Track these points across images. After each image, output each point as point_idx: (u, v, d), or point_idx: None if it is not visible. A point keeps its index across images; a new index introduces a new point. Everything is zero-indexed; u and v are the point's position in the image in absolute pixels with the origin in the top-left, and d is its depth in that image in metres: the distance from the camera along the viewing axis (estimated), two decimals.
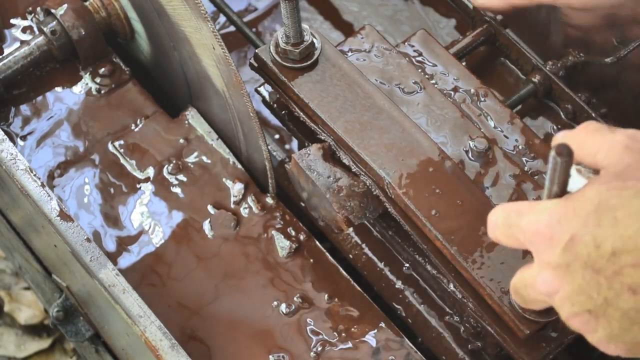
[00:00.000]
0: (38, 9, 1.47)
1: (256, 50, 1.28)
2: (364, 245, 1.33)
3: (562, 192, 0.91)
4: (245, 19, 1.58)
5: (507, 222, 0.97)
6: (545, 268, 0.93)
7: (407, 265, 1.31)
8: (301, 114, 1.26)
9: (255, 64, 1.29)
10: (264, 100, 1.35)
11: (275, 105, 1.35)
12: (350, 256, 1.33)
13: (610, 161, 0.90)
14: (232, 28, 1.59)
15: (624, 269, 0.87)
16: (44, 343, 2.07)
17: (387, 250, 1.32)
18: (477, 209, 1.15)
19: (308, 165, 1.22)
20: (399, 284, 1.31)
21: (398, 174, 1.18)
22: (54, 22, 1.40)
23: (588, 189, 0.89)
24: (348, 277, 1.30)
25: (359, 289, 1.29)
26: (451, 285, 1.21)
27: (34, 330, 2.08)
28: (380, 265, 1.32)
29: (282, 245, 1.32)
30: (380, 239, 1.33)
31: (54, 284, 1.50)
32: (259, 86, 1.36)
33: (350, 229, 1.30)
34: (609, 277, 0.88)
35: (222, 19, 1.62)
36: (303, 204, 1.33)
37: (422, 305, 1.29)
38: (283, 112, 1.34)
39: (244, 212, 1.34)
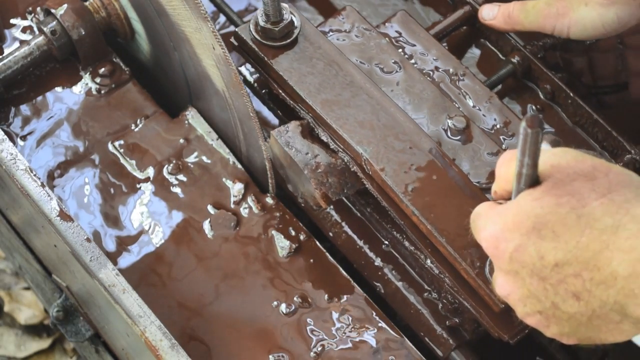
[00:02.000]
0: (38, 9, 1.47)
1: (236, 29, 1.29)
2: (343, 224, 1.34)
3: (534, 163, 0.92)
4: (245, 19, 1.58)
5: (471, 222, 1.03)
6: (498, 272, 0.99)
7: (386, 242, 1.31)
8: (280, 92, 1.27)
9: (236, 43, 1.30)
10: (244, 80, 1.37)
11: (255, 84, 1.36)
12: (330, 234, 1.34)
13: (541, 179, 0.95)
14: (232, 28, 1.59)
15: (567, 278, 0.92)
16: (44, 343, 2.07)
17: (366, 228, 1.33)
18: (454, 185, 1.17)
19: (286, 142, 1.23)
20: (378, 262, 1.31)
21: (376, 150, 1.19)
22: (54, 22, 1.40)
23: (525, 203, 0.94)
24: (348, 277, 1.30)
25: (358, 288, 1.29)
26: (428, 261, 1.22)
27: (34, 330, 2.08)
28: (360, 243, 1.33)
29: (282, 245, 1.32)
30: (359, 217, 1.33)
31: (54, 284, 1.50)
32: (240, 65, 1.36)
33: (330, 205, 1.31)
34: (554, 284, 0.93)
35: (222, 19, 1.62)
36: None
37: (401, 282, 1.30)
38: (263, 91, 1.35)
39: (244, 212, 1.34)
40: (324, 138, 1.23)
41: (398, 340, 1.26)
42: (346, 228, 1.34)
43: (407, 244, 1.27)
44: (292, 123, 1.25)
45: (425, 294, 1.29)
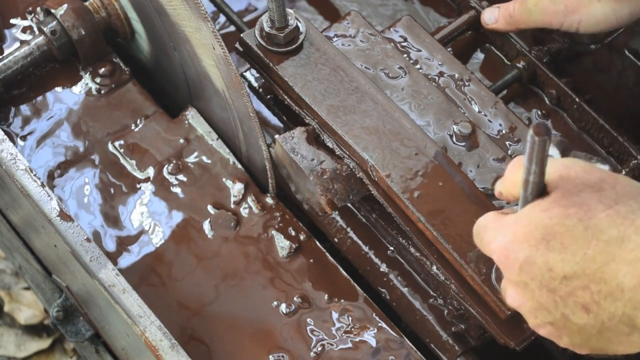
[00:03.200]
0: (38, 9, 1.47)
1: (241, 35, 1.29)
2: (348, 229, 1.33)
3: (541, 171, 0.92)
4: (245, 19, 1.58)
5: (476, 234, 1.03)
6: (507, 283, 0.99)
7: (392, 248, 1.31)
8: (286, 97, 1.26)
9: (241, 49, 1.30)
10: (249, 85, 1.36)
11: (260, 89, 1.36)
12: (336, 240, 1.33)
13: (550, 189, 0.95)
14: (232, 28, 1.59)
15: (576, 290, 0.92)
16: (44, 343, 2.07)
17: (371, 233, 1.33)
18: (460, 191, 1.16)
19: (292, 148, 1.23)
20: (383, 267, 1.31)
21: (381, 156, 1.19)
22: (54, 22, 1.40)
23: (533, 214, 0.94)
24: (348, 277, 1.30)
25: (358, 288, 1.29)
26: (434, 267, 1.22)
27: (34, 330, 2.08)
28: (365, 248, 1.32)
29: (282, 245, 1.32)
30: (364, 223, 1.33)
31: (54, 284, 1.50)
32: (245, 71, 1.36)
33: (334, 211, 1.31)
34: (563, 296, 0.93)
35: (222, 19, 1.62)
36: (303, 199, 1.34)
37: (406, 288, 1.29)
38: (268, 96, 1.35)
39: (244, 212, 1.34)
40: (329, 144, 1.23)
41: (398, 340, 1.26)
42: (351, 234, 1.33)
43: (412, 250, 1.26)
44: (298, 129, 1.25)
45: (431, 300, 1.28)
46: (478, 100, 1.33)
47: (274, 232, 1.33)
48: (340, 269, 1.31)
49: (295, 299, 1.28)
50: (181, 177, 1.37)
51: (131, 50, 1.50)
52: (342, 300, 1.29)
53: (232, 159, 1.38)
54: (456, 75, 1.34)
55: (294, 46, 1.27)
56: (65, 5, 1.40)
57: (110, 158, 1.39)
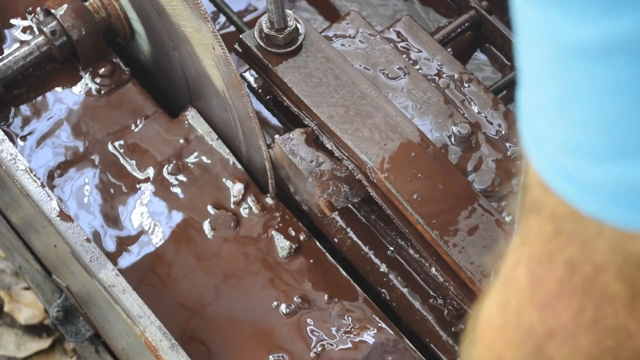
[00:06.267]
0: (38, 9, 1.47)
1: (240, 36, 1.29)
2: (348, 229, 1.33)
3: None
4: (245, 19, 1.58)
5: None
6: None
7: (392, 248, 1.31)
8: (285, 99, 1.26)
9: (240, 50, 1.30)
10: (249, 86, 1.36)
11: (260, 90, 1.36)
12: (336, 240, 1.33)
13: None
14: (232, 28, 1.59)
15: None
16: (44, 343, 2.07)
17: (371, 233, 1.32)
18: (459, 193, 1.16)
19: (291, 150, 1.23)
20: (383, 267, 1.31)
21: (380, 158, 1.19)
22: (54, 22, 1.40)
23: None
24: (348, 277, 1.30)
25: (358, 289, 1.29)
26: (433, 269, 1.22)
27: (34, 330, 2.08)
28: (365, 248, 1.32)
29: (282, 245, 1.32)
30: (364, 223, 1.33)
31: (54, 284, 1.50)
32: (244, 71, 1.36)
33: (334, 212, 1.31)
34: None
35: (222, 19, 1.62)
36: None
37: (406, 289, 1.29)
38: (268, 97, 1.35)
39: (244, 212, 1.34)
40: (328, 146, 1.23)
41: (398, 340, 1.26)
42: (351, 234, 1.33)
43: (411, 251, 1.26)
44: (297, 131, 1.25)
45: (431, 300, 1.28)
46: (477, 101, 1.33)
47: (273, 232, 1.33)
48: (340, 269, 1.31)
49: (295, 299, 1.28)
50: (181, 177, 1.37)
51: (131, 50, 1.50)
52: (342, 301, 1.29)
53: (232, 159, 1.38)
54: (456, 75, 1.34)
55: (293, 47, 1.27)
56: (65, 5, 1.40)
57: (110, 158, 1.39)
